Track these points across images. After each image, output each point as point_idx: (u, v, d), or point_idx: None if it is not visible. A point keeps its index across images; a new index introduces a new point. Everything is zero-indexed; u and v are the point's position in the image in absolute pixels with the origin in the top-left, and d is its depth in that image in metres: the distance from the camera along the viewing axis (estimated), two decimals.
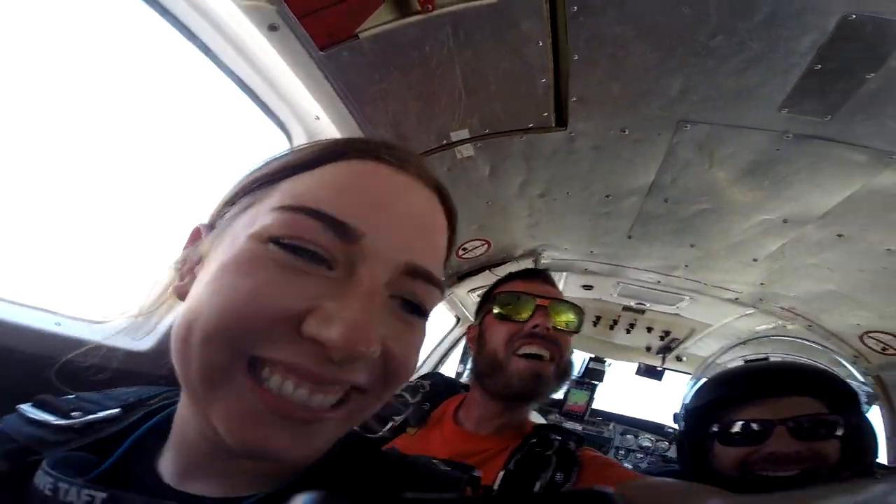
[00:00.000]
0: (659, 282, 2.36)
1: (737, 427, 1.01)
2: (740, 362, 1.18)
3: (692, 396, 1.15)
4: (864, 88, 1.06)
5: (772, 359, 1.15)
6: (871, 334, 1.95)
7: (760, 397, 1.01)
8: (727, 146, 1.35)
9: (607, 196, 1.73)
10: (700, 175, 1.49)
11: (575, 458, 0.95)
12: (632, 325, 3.00)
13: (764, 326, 2.41)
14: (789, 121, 1.21)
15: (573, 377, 3.78)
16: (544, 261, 2.45)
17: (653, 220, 1.83)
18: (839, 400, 1.01)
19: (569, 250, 2.28)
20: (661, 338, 3.08)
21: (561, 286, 2.78)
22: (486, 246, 2.27)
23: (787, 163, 1.35)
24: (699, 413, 1.10)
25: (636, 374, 3.49)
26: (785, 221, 1.59)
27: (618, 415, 3.82)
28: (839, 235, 1.57)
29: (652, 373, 3.37)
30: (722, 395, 1.07)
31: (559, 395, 3.88)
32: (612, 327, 3.09)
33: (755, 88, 1.14)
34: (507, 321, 1.08)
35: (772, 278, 1.96)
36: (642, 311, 2.85)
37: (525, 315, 1.07)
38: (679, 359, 3.29)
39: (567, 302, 1.10)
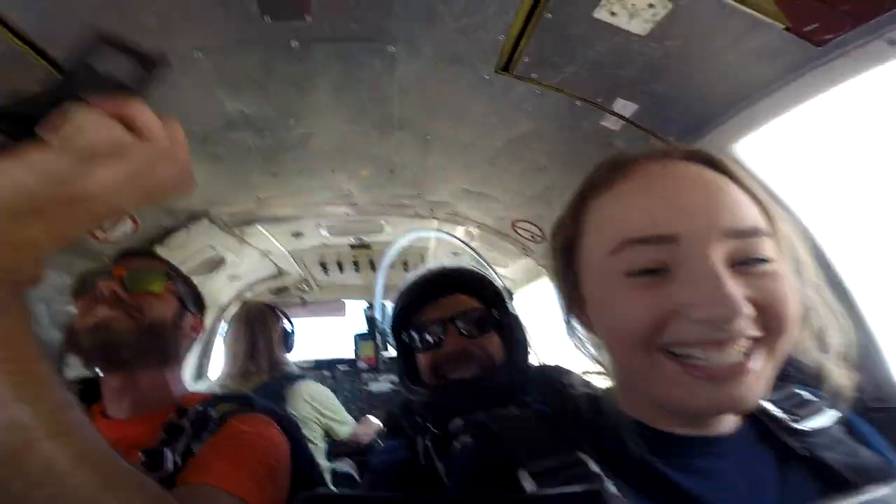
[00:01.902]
0: (347, 214, 2.31)
1: (416, 330, 1.13)
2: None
3: (390, 314, 1.24)
4: None
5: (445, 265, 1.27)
6: (517, 223, 2.16)
7: (430, 299, 1.14)
8: None
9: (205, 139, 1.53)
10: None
11: (210, 425, 0.90)
12: (356, 262, 3.00)
13: (458, 234, 2.56)
14: None
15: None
16: (225, 218, 2.22)
17: (277, 154, 1.70)
18: (491, 297, 1.18)
19: (232, 202, 2.07)
20: (405, 269, 3.13)
21: (269, 238, 2.61)
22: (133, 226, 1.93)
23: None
24: (394, 326, 1.20)
25: None
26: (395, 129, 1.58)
27: None
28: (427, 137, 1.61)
29: None
30: (402, 303, 1.18)
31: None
32: (341, 268, 3.06)
33: None
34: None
35: (417, 187, 2.01)
36: (368, 246, 2.83)
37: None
38: None
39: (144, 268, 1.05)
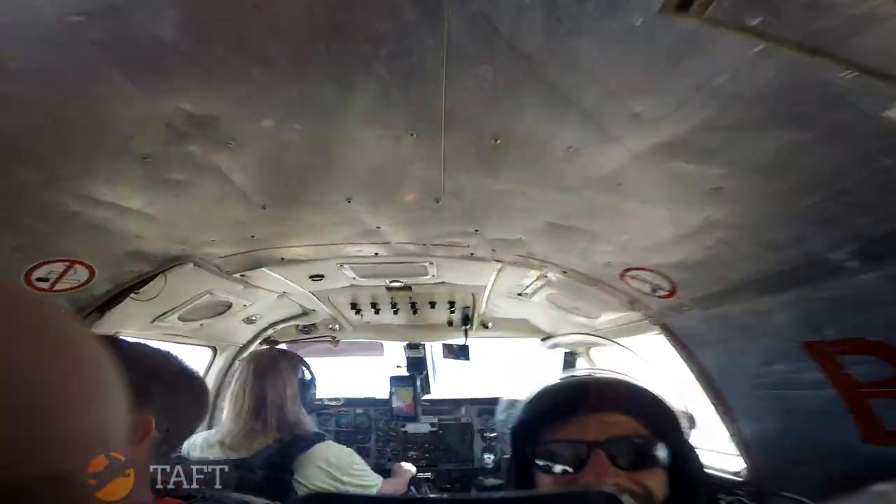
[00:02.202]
0: (376, 253, 1.69)
1: (551, 449, 0.92)
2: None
3: (516, 417, 1.03)
4: None
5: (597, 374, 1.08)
6: (629, 272, 1.45)
7: (574, 413, 0.93)
8: None
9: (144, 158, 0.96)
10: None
11: None
12: (395, 304, 2.40)
13: (529, 280, 1.89)
14: None
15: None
16: (215, 261, 1.66)
17: (260, 174, 1.10)
18: (660, 423, 0.93)
19: (217, 243, 1.50)
20: (451, 310, 2.51)
21: (284, 281, 2.05)
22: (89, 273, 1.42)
23: None
24: (517, 435, 1.00)
25: (444, 357, 2.95)
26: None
27: (468, 399, 3.23)
28: (496, 142, 0.95)
29: (458, 352, 2.85)
30: (535, 411, 0.99)
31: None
32: (376, 310, 2.48)
33: None
34: None
35: (475, 220, 1.35)
36: (409, 287, 2.22)
37: None
38: (485, 325, 2.77)
39: None
